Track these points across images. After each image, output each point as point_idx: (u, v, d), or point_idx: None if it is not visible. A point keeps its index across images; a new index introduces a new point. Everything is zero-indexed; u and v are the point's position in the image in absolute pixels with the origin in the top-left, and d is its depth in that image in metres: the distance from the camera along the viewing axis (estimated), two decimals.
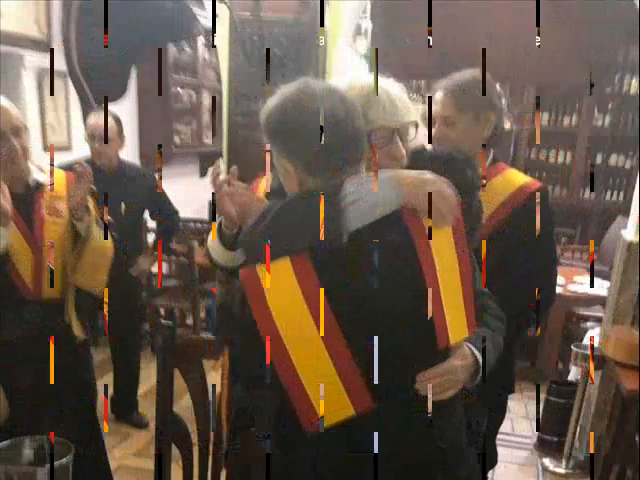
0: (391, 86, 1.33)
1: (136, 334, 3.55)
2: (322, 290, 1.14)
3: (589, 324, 4.22)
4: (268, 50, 3.40)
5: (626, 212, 3.32)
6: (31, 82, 3.76)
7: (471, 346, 1.28)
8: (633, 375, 2.59)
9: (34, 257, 1.97)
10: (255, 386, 1.33)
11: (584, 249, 5.57)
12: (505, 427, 2.56)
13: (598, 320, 3.98)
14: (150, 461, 1.72)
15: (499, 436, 2.14)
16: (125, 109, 4.64)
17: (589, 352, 3.06)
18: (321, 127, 1.15)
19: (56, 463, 1.25)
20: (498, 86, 1.95)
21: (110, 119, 3.12)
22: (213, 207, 1.41)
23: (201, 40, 5.37)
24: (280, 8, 3.52)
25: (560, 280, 3.81)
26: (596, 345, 3.12)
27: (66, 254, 2.04)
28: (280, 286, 1.16)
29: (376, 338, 1.17)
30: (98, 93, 4.22)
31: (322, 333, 1.15)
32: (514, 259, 1.85)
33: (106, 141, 3.07)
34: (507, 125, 1.95)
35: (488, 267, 1.44)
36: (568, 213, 5.95)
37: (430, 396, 1.21)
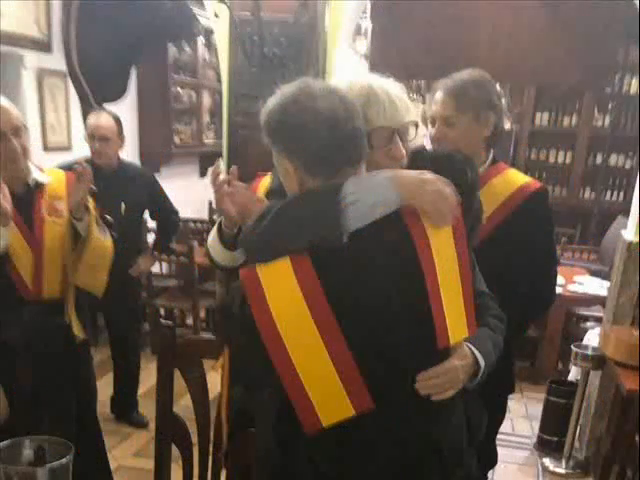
0: (391, 86, 1.33)
1: (136, 334, 3.55)
2: (322, 290, 1.14)
3: (589, 324, 4.22)
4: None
5: (626, 212, 3.32)
6: (31, 82, 3.76)
7: (471, 346, 1.28)
8: (633, 375, 2.59)
9: (34, 257, 1.98)
10: (255, 386, 1.33)
11: (584, 249, 5.57)
12: (505, 427, 2.56)
13: (598, 320, 3.98)
14: (150, 461, 1.72)
15: (499, 436, 2.14)
16: (125, 109, 4.64)
17: (589, 352, 3.06)
18: (321, 127, 1.15)
19: (56, 463, 1.25)
20: (498, 86, 1.95)
21: (110, 119, 3.12)
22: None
23: (201, 40, 5.37)
24: (280, 8, 3.52)
25: (560, 280, 3.81)
26: (596, 345, 3.12)
27: (66, 254, 2.04)
28: (280, 286, 1.16)
29: (376, 338, 1.18)
30: (98, 93, 4.23)
31: (322, 333, 1.15)
32: (514, 259, 1.85)
33: (106, 141, 3.08)
34: (507, 125, 1.95)
35: (488, 267, 1.45)
36: (568, 213, 5.95)
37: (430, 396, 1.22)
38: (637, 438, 2.64)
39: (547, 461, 3.29)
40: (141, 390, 3.58)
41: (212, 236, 1.51)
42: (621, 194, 6.10)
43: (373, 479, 1.24)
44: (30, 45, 3.69)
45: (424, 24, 4.74)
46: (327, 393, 1.17)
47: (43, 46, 3.79)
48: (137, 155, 5.10)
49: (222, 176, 1.44)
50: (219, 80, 4.71)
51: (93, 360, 2.39)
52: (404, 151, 1.32)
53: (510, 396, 2.09)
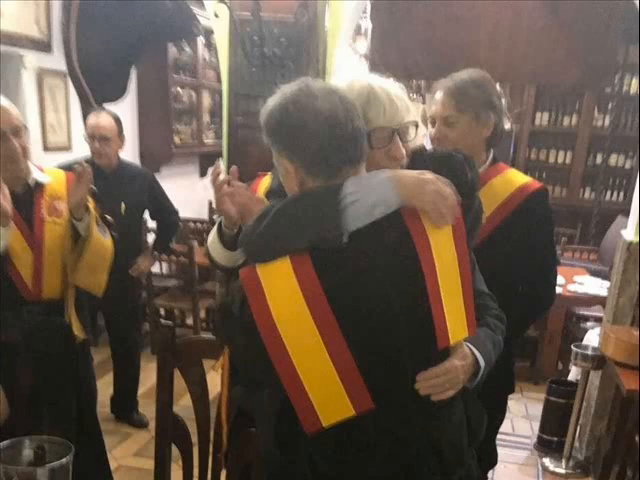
0: (391, 86, 1.33)
1: (136, 334, 3.55)
2: (322, 290, 1.14)
3: (589, 324, 4.22)
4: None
5: (626, 212, 3.32)
6: (31, 82, 3.76)
7: (471, 346, 1.28)
8: (633, 375, 2.59)
9: (34, 257, 1.97)
10: (255, 386, 1.33)
11: (584, 249, 5.57)
12: (505, 427, 2.56)
13: (598, 320, 3.99)
14: (150, 461, 1.72)
15: (499, 436, 2.14)
16: (125, 109, 4.64)
17: (589, 352, 3.07)
18: (321, 127, 1.15)
19: (56, 463, 1.26)
20: (498, 86, 1.95)
21: (110, 119, 3.13)
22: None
23: (201, 40, 5.37)
24: (280, 8, 3.51)
25: (560, 280, 3.81)
26: (596, 345, 3.12)
27: (66, 254, 2.04)
28: (280, 286, 1.16)
29: (376, 338, 1.18)
30: (98, 93, 4.23)
31: (322, 333, 1.15)
32: (514, 259, 1.85)
33: (106, 141, 3.08)
34: (507, 125, 1.95)
35: (488, 267, 1.45)
36: (568, 213, 5.95)
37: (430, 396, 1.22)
38: (637, 438, 2.64)
39: (547, 461, 3.30)
40: (141, 390, 3.58)
41: (212, 236, 1.51)
42: (621, 194, 6.10)
43: (373, 479, 1.24)
44: (30, 45, 3.69)
45: (424, 24, 4.73)
46: (327, 393, 1.17)
47: (43, 46, 3.79)
48: (137, 155, 5.10)
49: (222, 176, 1.44)
50: (219, 80, 4.71)
51: (93, 360, 2.39)
52: (404, 151, 1.32)
53: (510, 396, 2.09)
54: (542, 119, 6.21)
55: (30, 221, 1.98)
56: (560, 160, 6.26)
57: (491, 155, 1.94)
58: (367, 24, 5.29)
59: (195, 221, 5.36)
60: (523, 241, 1.85)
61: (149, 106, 5.09)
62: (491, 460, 2.14)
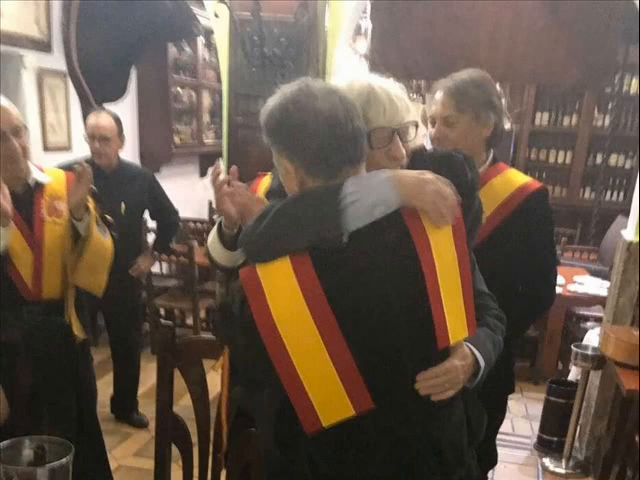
0: (391, 86, 1.33)
1: (136, 334, 3.55)
2: (322, 290, 1.14)
3: (589, 324, 4.22)
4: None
5: (626, 212, 3.32)
6: (31, 82, 3.76)
7: (471, 346, 1.28)
8: (633, 375, 2.59)
9: (34, 257, 1.98)
10: (255, 386, 1.33)
11: (584, 249, 5.57)
12: (505, 427, 2.56)
13: (598, 320, 3.99)
14: (150, 461, 1.72)
15: (499, 436, 2.14)
16: (125, 109, 4.64)
17: (589, 352, 3.07)
18: (321, 127, 1.15)
19: (56, 463, 1.26)
20: (498, 86, 1.95)
21: (110, 119, 3.13)
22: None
23: (201, 40, 5.37)
24: (280, 8, 3.52)
25: (560, 280, 3.81)
26: (596, 345, 3.12)
27: (66, 254, 2.04)
28: (280, 286, 1.16)
29: (376, 338, 1.18)
30: (98, 93, 4.23)
31: (322, 333, 1.15)
32: (514, 259, 1.85)
33: (106, 141, 3.08)
34: (507, 125, 1.95)
35: (488, 267, 1.45)
36: (568, 213, 5.95)
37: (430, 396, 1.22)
38: (637, 438, 2.64)
39: (547, 461, 3.29)
40: (141, 390, 3.58)
41: (212, 236, 1.51)
42: (621, 194, 6.11)
43: (373, 479, 1.24)
44: (30, 45, 3.69)
45: (424, 24, 4.73)
46: (327, 393, 1.17)
47: (43, 46, 3.79)
48: (137, 155, 5.10)
49: (222, 176, 1.44)
50: (219, 80, 4.71)
51: (93, 360, 2.39)
52: (404, 151, 1.32)
53: (510, 396, 2.09)
54: (542, 119, 6.22)
55: (30, 221, 1.98)
56: (560, 160, 6.27)
57: (491, 155, 1.94)
58: (367, 24, 5.29)
59: (195, 221, 5.36)
60: (523, 241, 1.85)
61: (149, 106, 5.09)
62: (491, 460, 2.14)
